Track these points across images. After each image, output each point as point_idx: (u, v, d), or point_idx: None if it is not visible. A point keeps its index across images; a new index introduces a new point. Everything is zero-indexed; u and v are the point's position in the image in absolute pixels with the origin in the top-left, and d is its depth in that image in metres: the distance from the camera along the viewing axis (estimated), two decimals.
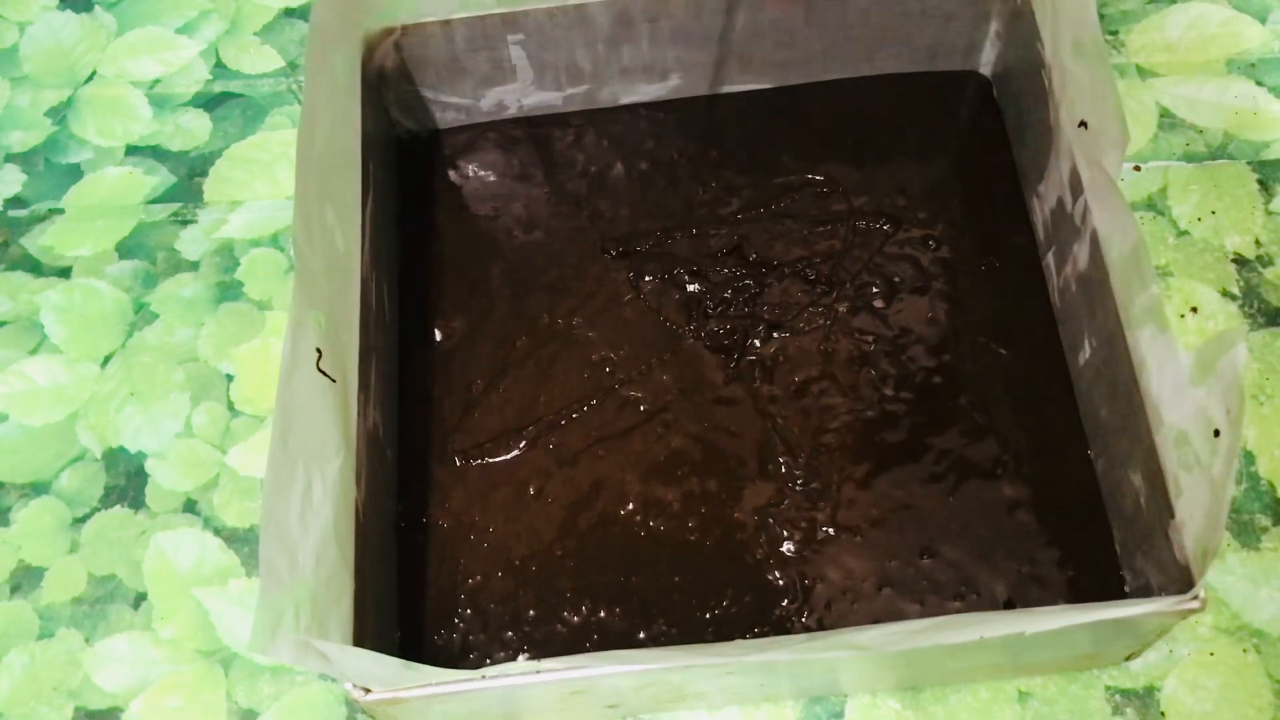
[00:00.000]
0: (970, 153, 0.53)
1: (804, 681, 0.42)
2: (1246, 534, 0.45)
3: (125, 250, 0.55)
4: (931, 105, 0.54)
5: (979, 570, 0.44)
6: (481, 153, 0.55)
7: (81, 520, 0.48)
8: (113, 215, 0.56)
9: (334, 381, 0.39)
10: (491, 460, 0.47)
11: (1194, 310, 0.50)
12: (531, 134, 0.55)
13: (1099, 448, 0.45)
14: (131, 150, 0.57)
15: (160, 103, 0.59)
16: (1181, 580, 0.37)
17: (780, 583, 0.44)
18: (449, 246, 0.52)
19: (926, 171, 0.52)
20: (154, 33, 0.61)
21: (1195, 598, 0.34)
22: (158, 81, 0.59)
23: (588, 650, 0.43)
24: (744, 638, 0.43)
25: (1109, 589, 0.43)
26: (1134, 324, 0.39)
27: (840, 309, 0.49)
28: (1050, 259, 0.48)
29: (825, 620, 0.43)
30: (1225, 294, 0.50)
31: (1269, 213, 0.52)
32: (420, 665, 0.34)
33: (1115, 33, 0.57)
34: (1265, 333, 0.49)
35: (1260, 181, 0.53)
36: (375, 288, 0.47)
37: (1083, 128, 0.42)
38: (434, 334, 0.50)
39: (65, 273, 0.54)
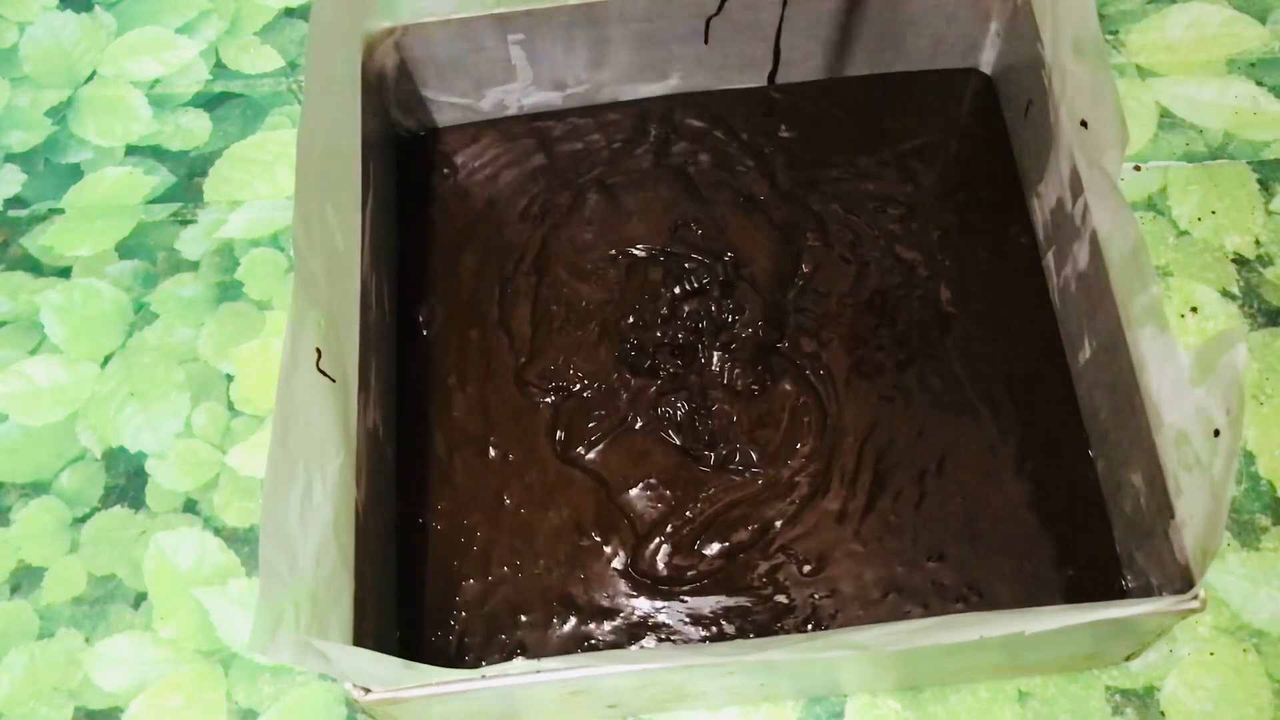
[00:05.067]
0: (970, 152, 0.53)
1: (804, 681, 0.42)
2: (1246, 534, 0.45)
3: (125, 250, 0.55)
4: (932, 103, 0.54)
5: (979, 571, 0.44)
6: (482, 151, 0.55)
7: (81, 520, 0.48)
8: (113, 215, 0.56)
9: (334, 381, 0.39)
10: (490, 460, 0.47)
11: (1194, 310, 0.50)
12: (531, 131, 0.55)
13: (1099, 448, 0.45)
14: (131, 150, 0.57)
15: (160, 103, 0.59)
16: (1181, 580, 0.37)
17: (780, 582, 0.44)
18: (449, 245, 0.52)
19: (926, 169, 0.52)
20: (154, 33, 0.61)
21: (1195, 598, 0.34)
22: (158, 81, 0.59)
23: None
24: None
25: (1109, 589, 0.43)
26: (1134, 324, 0.39)
27: (838, 308, 0.49)
28: (1050, 259, 0.48)
29: (827, 625, 0.43)
30: (1225, 294, 0.50)
31: (1269, 213, 0.52)
32: (420, 665, 0.34)
33: (1115, 33, 0.57)
34: (1265, 333, 0.49)
35: (1260, 181, 0.53)
36: (375, 288, 0.47)
37: (1083, 127, 0.42)
38: (434, 333, 0.50)
39: (65, 273, 0.54)
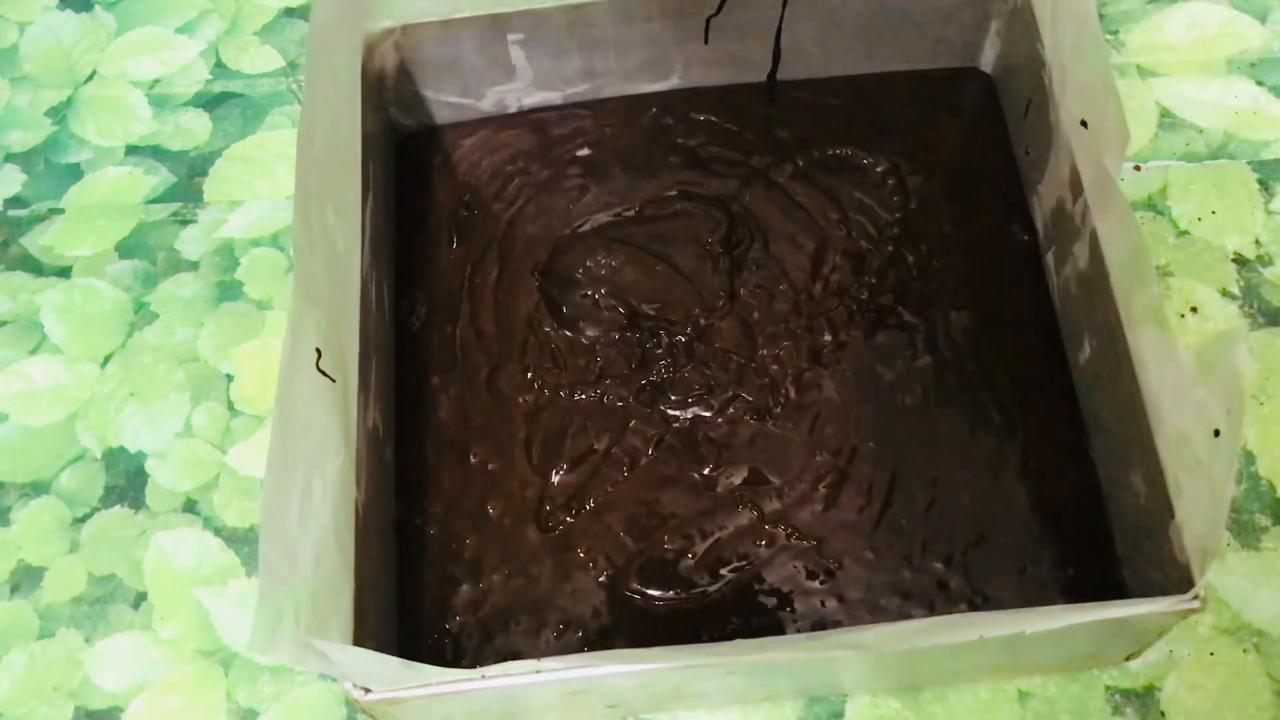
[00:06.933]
0: (970, 151, 0.53)
1: (804, 681, 0.42)
2: (1246, 534, 0.45)
3: (125, 250, 0.55)
4: (932, 102, 0.54)
5: (983, 572, 0.44)
6: (477, 144, 0.54)
7: (81, 520, 0.48)
8: (113, 215, 0.56)
9: (334, 381, 0.39)
10: (472, 467, 0.47)
11: (1194, 310, 0.50)
12: (528, 123, 0.54)
13: (1099, 448, 0.45)
14: (131, 150, 0.57)
15: (160, 103, 0.59)
16: (1181, 580, 0.37)
17: (786, 594, 0.44)
18: (448, 244, 0.52)
19: (927, 168, 0.52)
20: (154, 33, 0.61)
21: (1195, 598, 0.34)
22: (158, 81, 0.59)
23: None
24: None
25: (1109, 589, 0.43)
26: (1134, 324, 0.39)
27: (838, 312, 0.49)
28: (1050, 258, 0.48)
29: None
30: (1225, 294, 0.50)
31: (1269, 213, 0.52)
32: (420, 665, 0.34)
33: (1115, 33, 0.57)
34: (1265, 333, 0.49)
35: (1260, 181, 0.53)
36: (375, 287, 0.47)
37: (1083, 127, 0.42)
38: (420, 330, 0.50)
39: (65, 273, 0.54)
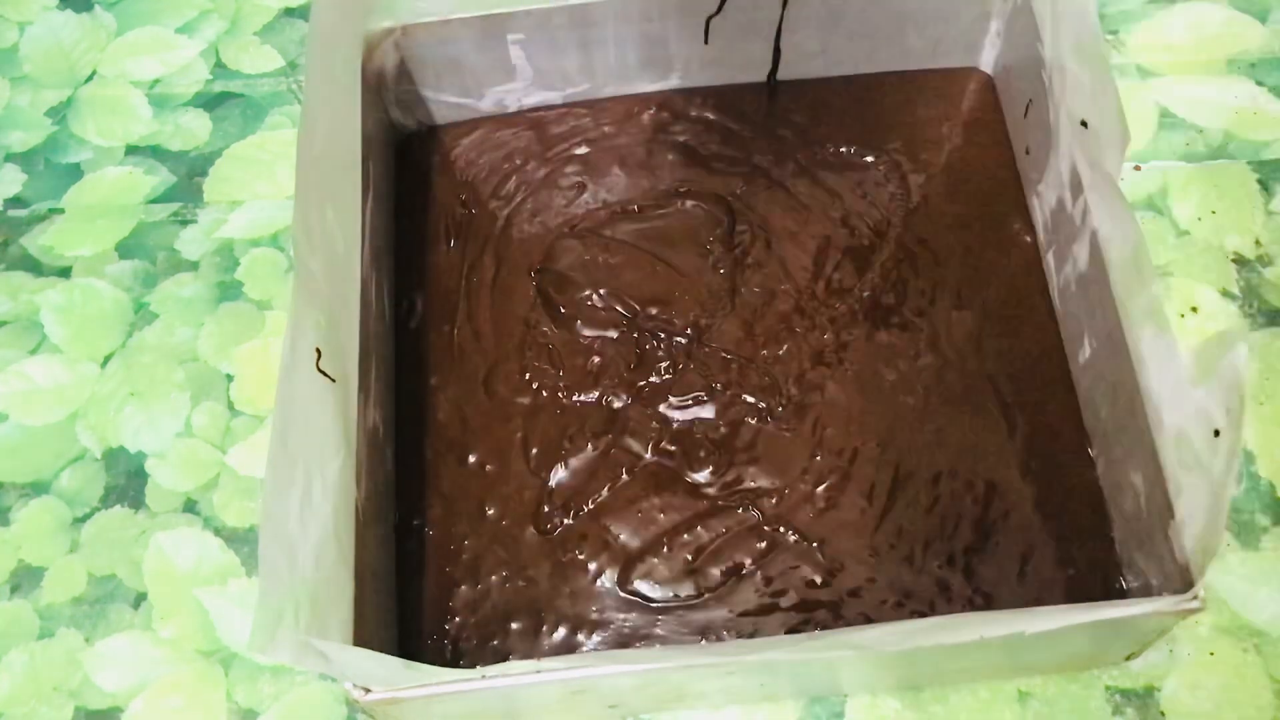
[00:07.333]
0: (970, 151, 0.53)
1: (804, 681, 0.42)
2: (1246, 534, 0.45)
3: (125, 250, 0.55)
4: (932, 102, 0.54)
5: (984, 573, 0.44)
6: (476, 143, 0.54)
7: (81, 520, 0.48)
8: (113, 215, 0.56)
9: (334, 381, 0.39)
10: (470, 468, 0.47)
11: (1194, 310, 0.50)
12: (527, 122, 0.54)
13: (1099, 448, 0.45)
14: (131, 150, 0.57)
15: (160, 103, 0.59)
16: (1181, 580, 0.37)
17: (786, 596, 0.44)
18: (446, 244, 0.52)
19: (927, 168, 0.52)
20: (154, 33, 0.61)
21: (1195, 598, 0.35)
22: (158, 81, 0.59)
23: None
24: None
25: (1109, 589, 0.43)
26: (1134, 324, 0.39)
27: (840, 312, 0.49)
28: (1050, 259, 0.48)
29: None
30: (1225, 294, 0.50)
31: (1269, 213, 0.52)
32: (421, 665, 0.34)
33: (1115, 33, 0.57)
34: (1265, 333, 0.49)
35: (1260, 181, 0.53)
36: (375, 287, 0.47)
37: (1083, 127, 0.42)
38: (418, 330, 0.50)
39: (65, 273, 0.54)
